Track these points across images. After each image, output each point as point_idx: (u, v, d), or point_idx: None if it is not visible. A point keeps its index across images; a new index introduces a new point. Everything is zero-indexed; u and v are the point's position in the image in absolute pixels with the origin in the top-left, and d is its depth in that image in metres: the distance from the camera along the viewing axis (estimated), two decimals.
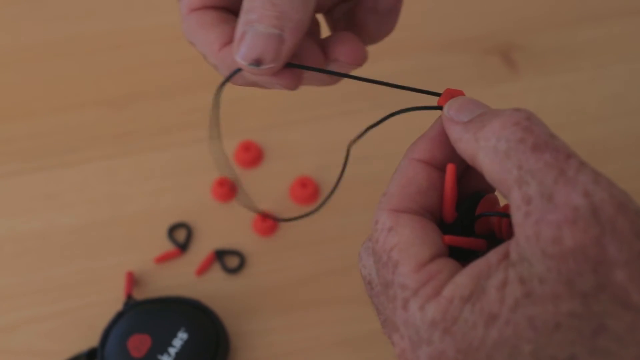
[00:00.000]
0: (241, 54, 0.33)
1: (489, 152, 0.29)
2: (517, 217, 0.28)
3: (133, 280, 0.53)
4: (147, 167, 0.58)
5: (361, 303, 0.52)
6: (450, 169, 0.32)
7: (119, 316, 0.49)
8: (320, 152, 0.58)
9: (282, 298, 0.53)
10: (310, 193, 0.56)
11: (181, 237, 0.55)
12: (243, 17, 0.33)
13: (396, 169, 0.33)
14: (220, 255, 0.54)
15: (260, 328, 0.51)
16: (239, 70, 0.35)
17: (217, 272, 0.54)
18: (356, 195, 0.56)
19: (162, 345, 0.48)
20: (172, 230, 0.55)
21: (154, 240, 0.55)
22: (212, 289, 0.53)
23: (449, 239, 0.31)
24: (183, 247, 0.54)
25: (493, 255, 0.29)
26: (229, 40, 0.35)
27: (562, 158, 0.28)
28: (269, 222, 0.55)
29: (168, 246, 0.55)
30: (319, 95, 0.60)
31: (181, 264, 0.54)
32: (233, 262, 0.54)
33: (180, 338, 0.48)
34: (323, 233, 0.55)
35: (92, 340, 0.50)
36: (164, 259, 0.54)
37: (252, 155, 0.57)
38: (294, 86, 0.35)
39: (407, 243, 0.30)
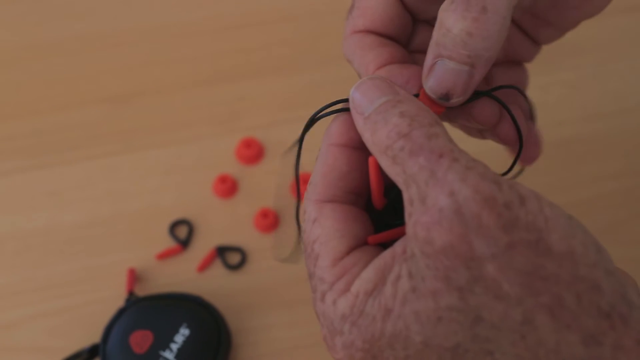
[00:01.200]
0: (430, 87, 0.33)
1: (381, 158, 0.31)
2: (405, 216, 0.30)
3: (135, 277, 0.53)
4: (148, 164, 0.58)
5: None
6: (372, 161, 0.32)
7: (120, 312, 0.50)
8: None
9: (283, 294, 0.53)
10: None
11: (183, 233, 0.55)
12: (433, 49, 0.33)
13: (317, 157, 0.34)
14: (221, 251, 0.54)
15: (261, 324, 0.52)
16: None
17: (218, 268, 0.54)
18: None
19: (164, 341, 0.48)
20: (173, 226, 0.55)
21: (156, 237, 0.55)
22: (214, 286, 0.53)
23: (372, 239, 0.32)
24: (184, 243, 0.54)
25: (398, 246, 0.31)
26: (386, 62, 0.36)
27: (435, 159, 0.29)
28: (271, 218, 0.55)
29: (169, 243, 0.55)
30: (319, 92, 0.61)
31: (183, 261, 0.54)
32: (234, 258, 0.54)
33: (182, 334, 0.48)
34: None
35: (94, 336, 0.50)
36: (165, 255, 0.54)
37: (253, 152, 0.57)
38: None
39: (328, 236, 0.32)
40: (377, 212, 0.34)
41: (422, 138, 0.30)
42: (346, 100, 0.34)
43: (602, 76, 0.62)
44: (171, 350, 0.48)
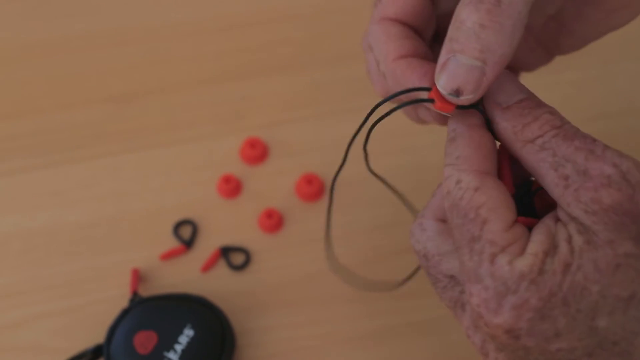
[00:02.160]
0: (442, 83, 0.33)
1: (525, 146, 0.33)
2: (556, 192, 0.32)
3: (139, 277, 0.53)
4: (152, 163, 0.58)
5: (368, 300, 0.53)
6: (503, 150, 0.35)
7: (124, 313, 0.50)
8: (325, 149, 0.58)
9: (288, 295, 0.53)
10: (316, 190, 0.56)
11: (187, 233, 0.55)
12: (447, 45, 0.33)
13: (450, 134, 0.35)
14: (225, 252, 0.54)
15: (266, 325, 0.51)
16: (402, 92, 0.35)
17: (222, 268, 0.54)
18: (361, 192, 0.56)
19: (168, 342, 0.48)
20: (177, 227, 0.55)
21: (160, 237, 0.55)
22: (218, 286, 0.53)
23: (521, 219, 0.34)
24: (188, 243, 0.54)
25: (549, 220, 0.33)
26: (407, 54, 0.37)
27: (590, 141, 0.33)
28: (275, 218, 0.55)
29: (173, 243, 0.55)
30: (324, 92, 0.61)
31: (187, 261, 0.54)
32: (238, 258, 0.54)
33: (187, 335, 0.48)
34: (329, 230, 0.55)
35: (98, 337, 0.50)
36: (169, 255, 0.54)
37: (258, 152, 0.57)
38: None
39: (496, 204, 0.33)
40: None
41: (573, 128, 0.33)
42: (414, 90, 0.35)
43: (608, 77, 0.62)
44: (175, 351, 0.48)
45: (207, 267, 0.54)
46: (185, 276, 0.53)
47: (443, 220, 0.37)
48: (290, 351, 0.51)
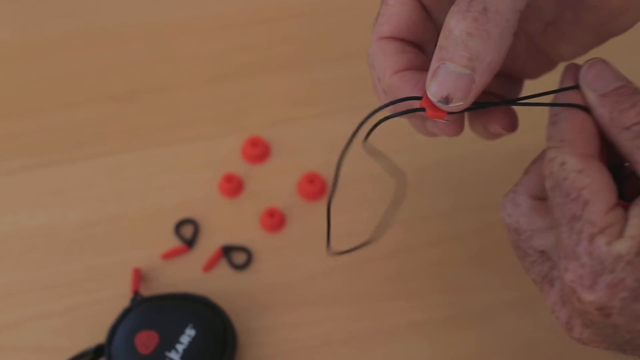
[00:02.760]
0: (432, 91, 0.34)
1: (621, 132, 0.34)
2: None
3: (140, 277, 0.52)
4: (153, 162, 0.58)
5: (370, 300, 0.52)
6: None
7: (126, 312, 0.49)
8: (327, 148, 0.58)
9: (289, 294, 0.52)
10: (318, 189, 0.56)
11: (188, 233, 0.55)
12: (437, 54, 0.34)
13: (552, 118, 0.36)
14: (227, 251, 0.54)
15: (268, 324, 0.51)
16: (393, 102, 0.36)
17: (224, 268, 0.54)
18: (363, 191, 0.56)
19: (169, 342, 0.48)
20: (179, 226, 0.55)
21: (161, 237, 0.54)
22: (219, 285, 0.53)
23: (619, 203, 0.34)
24: (190, 243, 0.54)
25: None
26: (402, 68, 0.37)
27: None
28: (277, 218, 0.55)
29: (175, 242, 0.54)
30: (325, 90, 0.60)
31: (188, 260, 0.54)
32: (240, 258, 0.54)
33: (188, 335, 0.48)
34: (331, 229, 0.55)
35: (99, 336, 0.50)
36: (171, 255, 0.54)
37: (259, 150, 0.57)
38: (457, 133, 0.38)
39: (599, 187, 0.34)
40: None
41: None
42: (409, 99, 0.36)
43: None
44: (177, 351, 0.47)
45: (209, 266, 0.53)
46: (187, 276, 0.53)
47: (538, 198, 0.38)
48: (291, 351, 0.51)
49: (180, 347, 0.48)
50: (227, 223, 0.55)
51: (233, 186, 0.56)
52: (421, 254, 0.54)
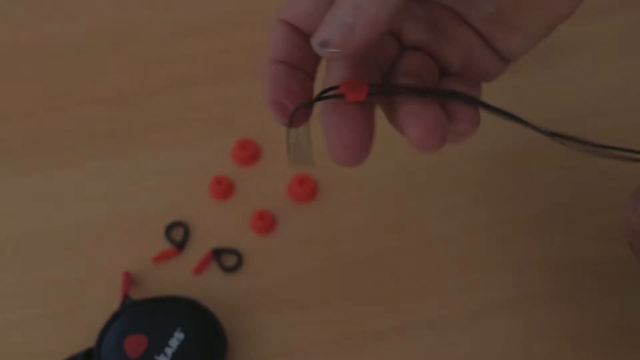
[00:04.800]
0: (316, 35, 0.34)
1: None
2: None
3: (130, 280, 0.52)
4: (143, 165, 0.57)
5: (361, 302, 0.52)
6: None
7: (115, 316, 0.49)
8: (318, 151, 0.57)
9: (280, 297, 0.52)
10: (308, 191, 0.55)
11: (178, 236, 0.55)
12: (331, 7, 0.35)
13: None
14: (217, 254, 0.54)
15: (258, 327, 0.51)
16: (323, 92, 0.36)
17: (214, 271, 0.53)
18: (355, 193, 0.56)
19: (158, 346, 0.47)
20: (169, 229, 0.55)
21: (151, 240, 0.54)
22: (210, 288, 0.52)
23: None
24: (180, 246, 0.54)
25: None
26: (281, 96, 0.37)
27: None
28: (267, 220, 0.54)
29: (165, 245, 0.54)
30: (315, 93, 0.60)
31: (178, 263, 0.54)
32: (230, 260, 0.54)
33: (177, 338, 0.48)
34: (321, 231, 0.55)
35: (88, 340, 0.50)
36: (161, 258, 0.54)
37: (250, 153, 0.57)
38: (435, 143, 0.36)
39: None
40: None
41: None
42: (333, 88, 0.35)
43: (602, 74, 0.61)
44: (166, 354, 0.47)
45: (199, 269, 0.53)
46: (177, 279, 0.53)
47: None
48: (282, 353, 0.50)
49: (169, 351, 0.47)
50: (218, 226, 0.55)
51: (223, 189, 0.56)
52: (412, 255, 0.54)
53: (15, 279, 0.53)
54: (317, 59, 0.38)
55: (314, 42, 0.34)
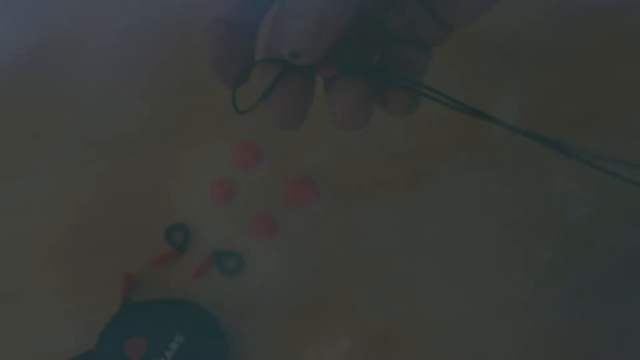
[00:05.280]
0: (284, 47, 0.35)
1: None
2: None
3: (130, 283, 0.52)
4: (144, 167, 0.57)
5: (362, 306, 0.52)
6: None
7: (115, 319, 0.49)
8: (320, 153, 0.58)
9: (280, 301, 0.52)
10: (310, 194, 0.55)
11: (179, 238, 0.54)
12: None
13: None
14: (218, 257, 0.53)
15: (258, 331, 0.51)
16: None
17: (214, 274, 0.53)
18: (357, 198, 0.56)
19: (158, 349, 0.47)
20: (169, 231, 0.54)
21: (151, 242, 0.54)
22: (210, 291, 0.52)
23: None
24: (180, 249, 0.54)
25: None
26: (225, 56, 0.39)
27: None
28: (268, 223, 0.54)
29: (165, 248, 0.54)
30: (318, 95, 0.60)
31: (179, 266, 0.53)
32: (231, 263, 0.54)
33: (177, 341, 0.48)
34: (323, 235, 0.55)
35: (88, 343, 0.50)
36: (161, 260, 0.53)
37: (251, 155, 0.57)
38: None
39: None
40: None
41: None
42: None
43: (604, 78, 0.61)
44: (166, 358, 0.47)
45: (200, 272, 0.53)
46: (177, 282, 0.53)
47: None
48: (283, 357, 0.50)
49: (169, 354, 0.47)
50: (218, 229, 0.55)
51: (224, 191, 0.55)
52: (413, 259, 0.54)
53: (14, 281, 0.53)
54: (259, 17, 0.39)
55: (285, 53, 0.35)
